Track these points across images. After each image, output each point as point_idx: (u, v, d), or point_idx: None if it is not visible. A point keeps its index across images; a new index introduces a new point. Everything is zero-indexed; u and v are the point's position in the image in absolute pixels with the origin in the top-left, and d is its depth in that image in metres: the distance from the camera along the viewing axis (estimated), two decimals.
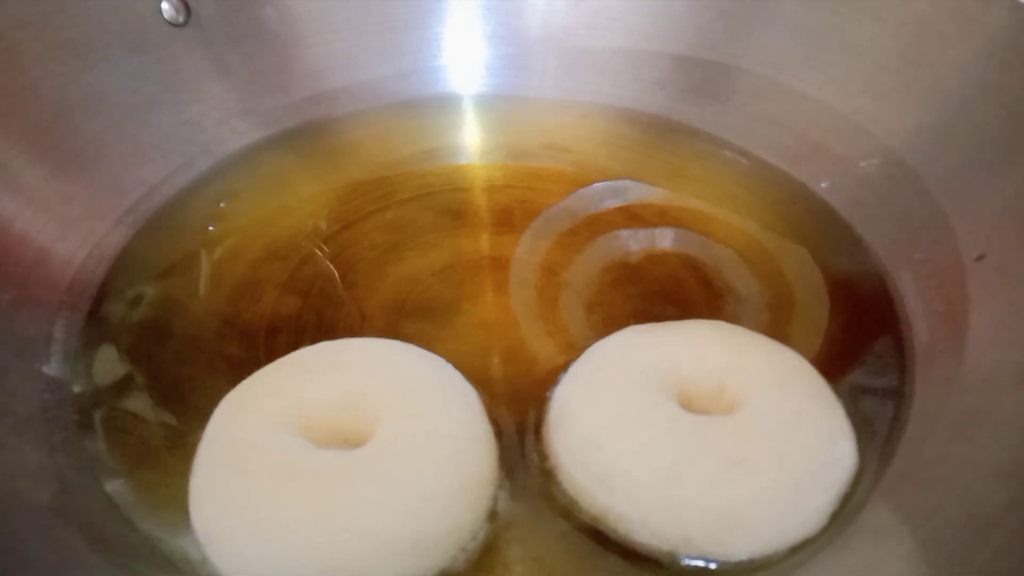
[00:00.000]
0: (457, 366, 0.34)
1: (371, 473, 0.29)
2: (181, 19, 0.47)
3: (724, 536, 0.29)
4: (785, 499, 0.29)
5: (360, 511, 0.28)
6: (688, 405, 0.32)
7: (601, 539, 0.31)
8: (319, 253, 0.43)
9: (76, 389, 0.36)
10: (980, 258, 0.36)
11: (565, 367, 0.36)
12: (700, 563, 0.30)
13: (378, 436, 0.30)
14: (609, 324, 0.36)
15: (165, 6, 0.47)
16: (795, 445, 0.30)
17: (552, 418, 0.33)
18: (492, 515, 0.31)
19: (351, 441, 0.31)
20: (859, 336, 0.38)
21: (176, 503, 0.32)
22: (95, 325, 0.39)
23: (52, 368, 0.36)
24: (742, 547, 0.29)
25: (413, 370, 0.33)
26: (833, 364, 0.34)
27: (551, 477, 0.32)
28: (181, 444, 0.34)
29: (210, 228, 0.44)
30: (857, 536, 0.30)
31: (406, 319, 0.39)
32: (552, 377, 0.36)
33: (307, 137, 0.50)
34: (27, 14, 0.43)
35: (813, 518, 0.30)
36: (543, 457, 0.33)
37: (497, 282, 0.42)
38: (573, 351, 0.37)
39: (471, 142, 0.51)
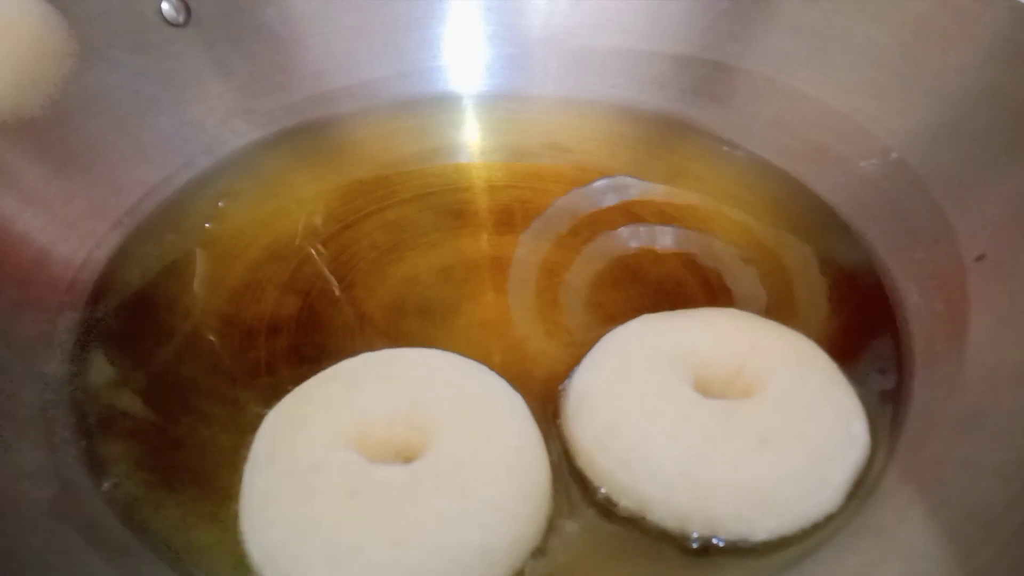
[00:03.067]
0: None
1: (436, 487, 0.28)
2: (181, 19, 0.48)
3: (750, 515, 0.30)
4: (809, 477, 0.30)
5: (429, 526, 0.28)
6: (704, 390, 0.32)
7: (627, 523, 0.31)
8: (316, 256, 0.43)
9: (76, 389, 0.36)
10: (980, 258, 0.36)
11: (566, 366, 0.36)
12: (722, 543, 0.30)
13: (434, 448, 0.30)
14: (610, 323, 0.36)
15: (165, 6, 0.47)
16: (815, 425, 0.31)
17: (571, 406, 0.33)
18: (552, 524, 0.31)
19: (403, 455, 0.30)
20: (859, 336, 0.38)
21: (176, 503, 0.32)
22: (95, 325, 0.39)
23: (52, 368, 0.36)
24: (767, 525, 0.30)
25: (460, 379, 0.33)
26: None
27: (573, 464, 0.32)
28: (181, 444, 0.34)
29: (207, 225, 0.44)
30: (857, 536, 0.30)
31: (407, 319, 0.39)
32: (553, 376, 0.36)
33: (308, 137, 0.50)
34: None
35: (833, 496, 0.31)
36: (564, 445, 0.33)
37: (497, 282, 0.42)
38: (574, 350, 0.37)
39: (472, 142, 0.51)
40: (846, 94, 0.45)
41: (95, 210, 0.43)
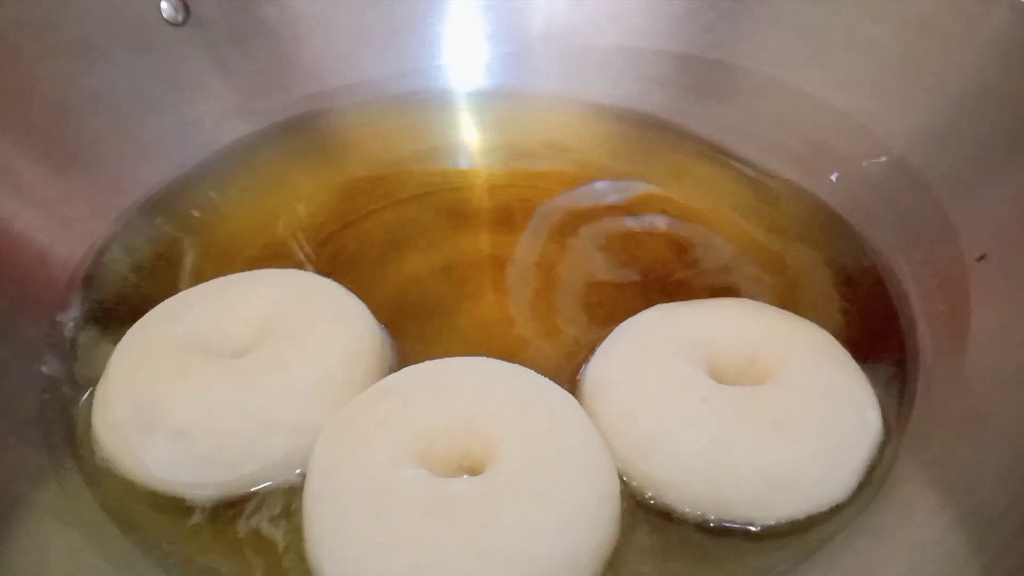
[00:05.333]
0: None
1: (516, 496, 0.28)
2: (180, 18, 0.48)
3: (767, 499, 0.30)
4: (824, 462, 0.31)
5: (514, 537, 0.27)
6: (718, 377, 0.33)
7: (648, 509, 0.31)
8: (316, 255, 0.43)
9: (76, 389, 0.36)
10: (982, 258, 0.36)
11: (567, 365, 0.36)
12: (737, 526, 0.30)
13: (502, 456, 0.29)
14: (609, 323, 0.36)
15: (164, 6, 0.47)
16: (830, 411, 0.31)
17: (587, 394, 0.34)
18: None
19: (465, 466, 0.30)
20: (861, 335, 0.38)
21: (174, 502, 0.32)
22: (95, 324, 0.39)
23: (52, 368, 0.36)
24: (783, 509, 0.30)
25: (512, 384, 0.32)
26: None
27: None
28: None
29: (207, 225, 0.44)
30: (858, 536, 0.30)
31: (406, 318, 0.39)
32: (554, 375, 0.36)
33: (307, 136, 0.50)
34: (27, 14, 0.43)
35: (847, 481, 0.31)
36: None
37: (497, 281, 0.42)
38: (574, 350, 0.37)
39: (471, 141, 0.51)
40: (848, 94, 0.45)
41: (94, 209, 0.43)
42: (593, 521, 0.29)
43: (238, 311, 0.35)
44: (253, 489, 0.31)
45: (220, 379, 0.32)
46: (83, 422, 0.34)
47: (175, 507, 0.31)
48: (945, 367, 0.35)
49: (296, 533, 0.30)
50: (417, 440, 0.30)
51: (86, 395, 0.35)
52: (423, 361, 0.34)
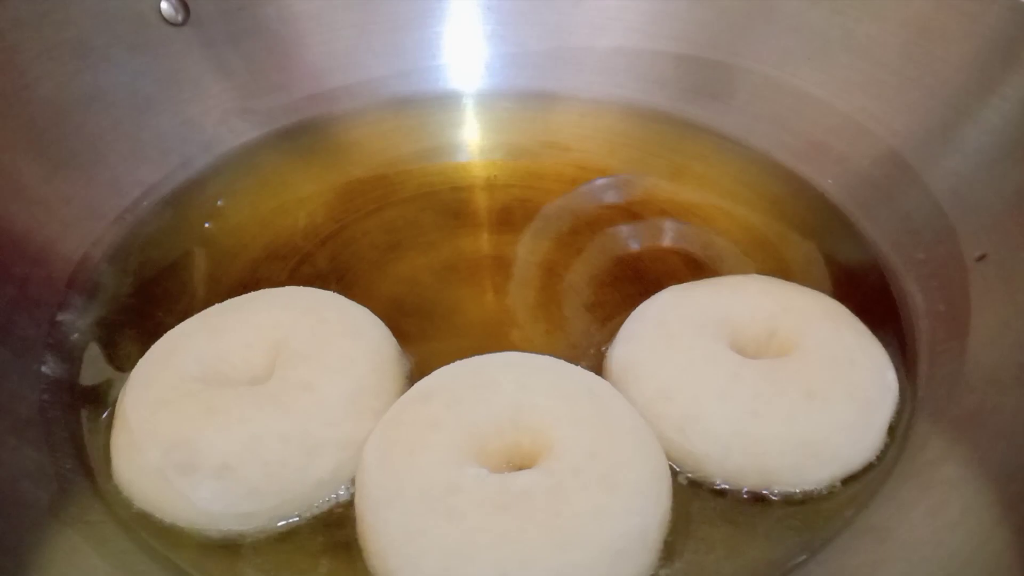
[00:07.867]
0: None
1: (583, 483, 0.28)
2: (180, 18, 0.47)
3: (806, 464, 0.31)
4: (856, 425, 0.32)
5: (589, 524, 0.28)
6: (742, 351, 0.33)
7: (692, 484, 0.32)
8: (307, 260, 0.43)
9: (75, 389, 0.36)
10: (982, 258, 0.36)
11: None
12: (775, 495, 0.31)
13: (559, 446, 0.29)
14: (610, 322, 0.36)
15: (164, 5, 0.47)
16: (856, 375, 0.32)
17: (617, 377, 0.34)
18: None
19: (514, 460, 0.30)
20: None
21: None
22: (94, 325, 0.39)
23: (51, 368, 0.36)
24: (821, 473, 0.31)
25: (548, 374, 0.32)
26: None
27: None
28: None
29: (206, 225, 0.44)
30: (858, 536, 0.30)
31: (406, 318, 0.39)
32: None
33: (307, 136, 0.50)
34: (27, 14, 0.43)
35: (876, 441, 0.33)
36: None
37: (497, 282, 0.42)
38: (574, 350, 0.37)
39: (471, 141, 0.51)
40: (847, 93, 0.45)
41: (93, 209, 0.43)
42: (656, 497, 0.29)
43: (245, 338, 0.34)
44: (303, 510, 0.31)
45: (252, 409, 0.31)
46: (99, 453, 0.34)
47: (222, 544, 0.31)
48: (944, 367, 0.35)
49: (346, 547, 0.30)
50: (471, 438, 0.30)
51: (104, 415, 0.35)
52: (429, 360, 0.34)
